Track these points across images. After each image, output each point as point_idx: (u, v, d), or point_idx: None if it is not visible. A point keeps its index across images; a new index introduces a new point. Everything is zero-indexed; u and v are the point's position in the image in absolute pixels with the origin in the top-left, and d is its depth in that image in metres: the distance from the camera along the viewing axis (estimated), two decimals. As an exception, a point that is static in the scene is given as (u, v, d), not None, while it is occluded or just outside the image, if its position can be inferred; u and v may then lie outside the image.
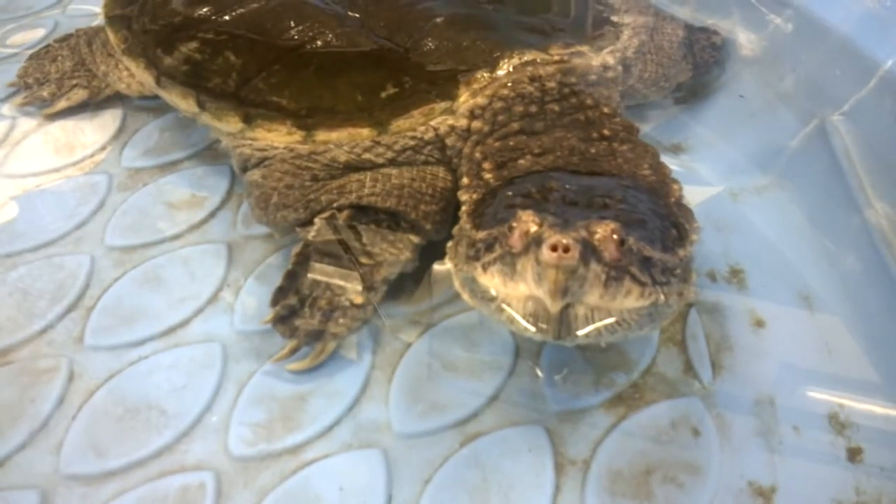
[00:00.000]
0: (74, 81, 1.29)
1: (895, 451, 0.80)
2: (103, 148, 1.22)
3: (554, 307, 0.66)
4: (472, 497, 0.81)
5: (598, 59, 1.02)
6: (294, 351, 0.92)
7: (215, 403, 0.90)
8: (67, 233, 1.09)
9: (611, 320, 0.68)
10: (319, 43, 1.02)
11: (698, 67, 1.21)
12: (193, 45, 1.07)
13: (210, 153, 1.20)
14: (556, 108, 0.95)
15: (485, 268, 0.72)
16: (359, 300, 0.93)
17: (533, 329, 0.69)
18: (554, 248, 0.64)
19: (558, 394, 0.89)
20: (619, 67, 1.05)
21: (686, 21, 1.23)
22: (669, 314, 0.73)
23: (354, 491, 0.82)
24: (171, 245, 1.07)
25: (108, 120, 1.27)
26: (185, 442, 0.86)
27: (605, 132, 0.93)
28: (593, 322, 0.68)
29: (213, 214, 1.11)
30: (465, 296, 0.79)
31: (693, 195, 1.04)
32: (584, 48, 1.02)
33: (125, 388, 0.91)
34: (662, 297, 0.70)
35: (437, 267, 0.99)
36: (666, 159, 0.92)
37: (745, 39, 1.23)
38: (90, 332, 0.97)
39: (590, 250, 0.66)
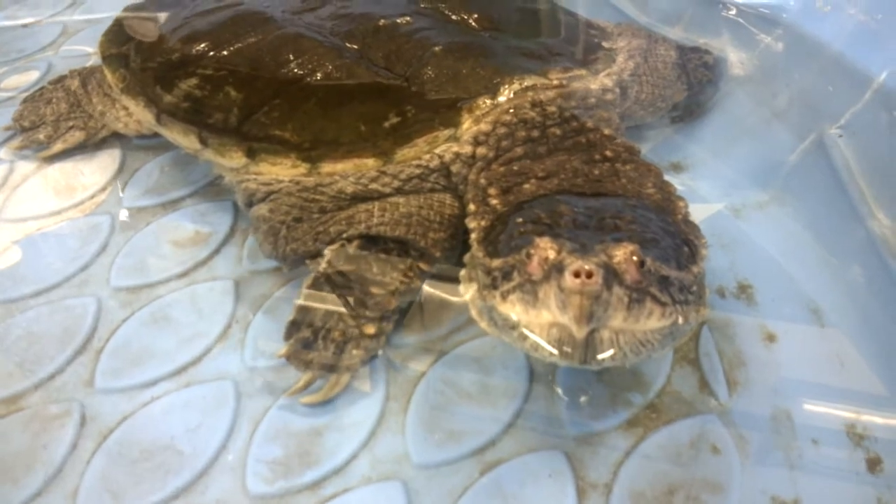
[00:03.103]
0: (71, 123, 1.29)
1: (915, 460, 0.80)
2: (103, 188, 1.22)
3: (580, 333, 0.66)
4: (496, 527, 0.81)
5: (596, 82, 1.04)
6: (308, 384, 0.92)
7: (231, 441, 0.89)
8: (72, 275, 1.08)
9: (634, 342, 0.68)
10: (320, 75, 1.03)
11: (692, 87, 1.23)
12: (193, 81, 1.08)
13: (212, 190, 1.20)
14: (558, 131, 0.96)
15: (504, 296, 0.73)
16: (371, 330, 0.93)
17: (558, 355, 0.68)
18: (577, 275, 0.64)
19: (576, 417, 0.89)
20: (617, 90, 1.07)
21: (677, 42, 1.25)
22: (688, 332, 0.74)
23: (376, 525, 0.82)
24: (178, 283, 1.06)
25: (107, 160, 1.27)
26: (202, 482, 0.85)
27: (608, 153, 0.93)
28: (618, 345, 0.68)
29: (217, 251, 1.11)
30: (483, 324, 0.79)
31: (696, 213, 1.04)
32: (582, 72, 1.03)
33: (139, 430, 0.90)
34: (682, 315, 0.71)
35: (445, 295, 0.99)
36: (666, 178, 0.93)
37: (736, 58, 1.25)
38: (100, 374, 0.96)
39: (611, 274, 0.66)
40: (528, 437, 0.88)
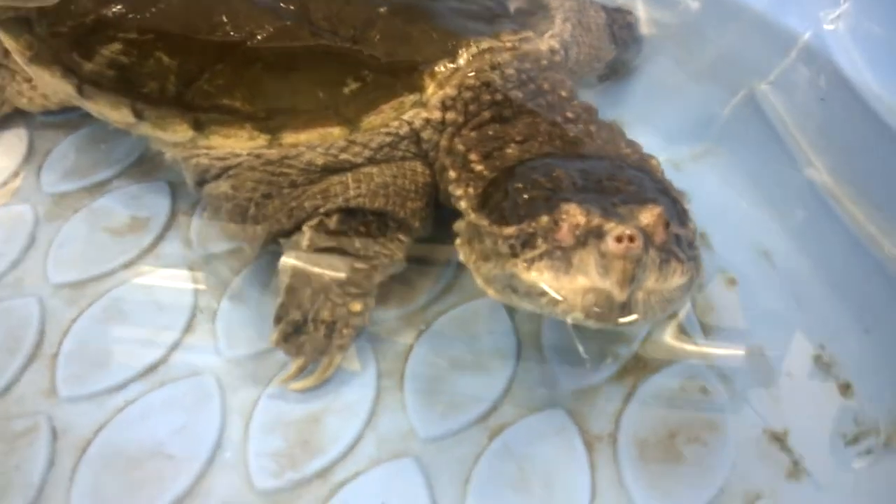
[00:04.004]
0: None
1: (878, 379, 0.89)
2: (16, 174, 1.09)
3: (622, 296, 0.67)
4: (516, 489, 0.81)
5: (544, 43, 1.04)
6: (301, 369, 0.88)
7: (225, 438, 0.84)
8: (1, 274, 0.97)
9: (663, 300, 0.70)
10: (261, 38, 0.95)
11: (618, 46, 1.26)
12: (116, 46, 0.97)
13: (140, 169, 1.10)
14: (520, 94, 0.96)
15: (529, 264, 0.72)
16: (358, 307, 0.90)
17: (594, 318, 0.69)
18: (619, 240, 0.66)
19: (568, 374, 0.91)
20: (562, 51, 1.08)
21: (601, 3, 1.28)
22: (698, 286, 0.77)
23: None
24: (125, 275, 0.98)
25: (13, 141, 1.13)
26: (203, 484, 0.81)
27: (568, 114, 0.94)
28: (649, 304, 0.70)
29: (161, 236, 1.03)
30: (492, 291, 0.79)
31: (638, 169, 1.11)
32: (530, 34, 1.03)
33: (119, 438, 0.83)
34: (696, 270, 0.74)
35: (416, 265, 0.98)
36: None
37: (654, 19, 1.30)
38: (62, 382, 0.87)
39: (646, 237, 0.68)
40: (527, 398, 0.89)
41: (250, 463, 0.82)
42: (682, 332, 0.95)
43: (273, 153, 0.92)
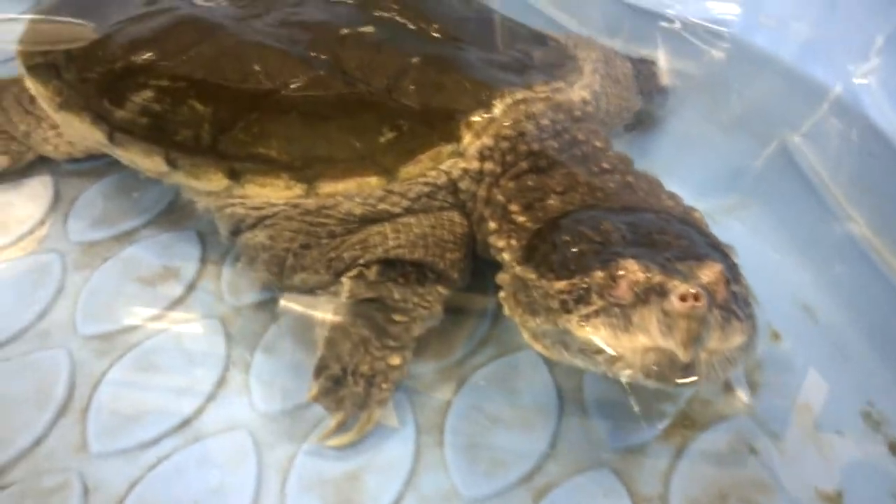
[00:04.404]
0: None
1: (931, 439, 0.88)
2: (42, 222, 1.06)
3: (686, 356, 0.65)
4: (563, 553, 0.79)
5: (575, 94, 1.04)
6: (341, 425, 0.85)
7: (261, 497, 0.81)
8: (29, 325, 0.94)
9: (724, 360, 0.68)
10: (294, 87, 0.95)
11: (643, 97, 1.27)
12: (148, 93, 0.96)
13: (169, 218, 1.08)
14: (555, 144, 0.95)
15: (584, 320, 0.70)
16: (396, 361, 0.88)
17: (654, 379, 0.67)
18: (684, 298, 0.64)
19: (613, 432, 0.88)
20: (593, 102, 1.08)
21: (626, 54, 1.28)
22: (756, 343, 0.76)
23: (439, 567, 0.77)
24: (156, 326, 0.95)
25: (39, 189, 1.11)
26: (242, 547, 0.77)
27: (605, 165, 0.93)
28: (711, 365, 0.67)
29: (192, 286, 1.00)
30: (541, 347, 0.77)
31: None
32: (561, 84, 1.03)
33: (153, 496, 0.80)
34: (753, 329, 0.72)
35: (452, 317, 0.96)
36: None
37: (679, 69, 1.30)
38: (93, 436, 0.84)
39: (708, 294, 0.66)
40: (572, 456, 0.86)
41: (289, 525, 0.79)
42: (730, 388, 0.93)
43: (310, 203, 0.91)
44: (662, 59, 1.31)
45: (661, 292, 0.66)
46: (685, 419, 0.90)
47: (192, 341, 0.94)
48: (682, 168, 1.20)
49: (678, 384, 0.68)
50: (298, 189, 0.91)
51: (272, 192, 0.91)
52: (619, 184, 0.92)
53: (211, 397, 0.89)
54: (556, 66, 1.12)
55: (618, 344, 0.69)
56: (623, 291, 0.68)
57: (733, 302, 0.70)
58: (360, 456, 0.85)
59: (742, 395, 0.92)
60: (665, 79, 1.29)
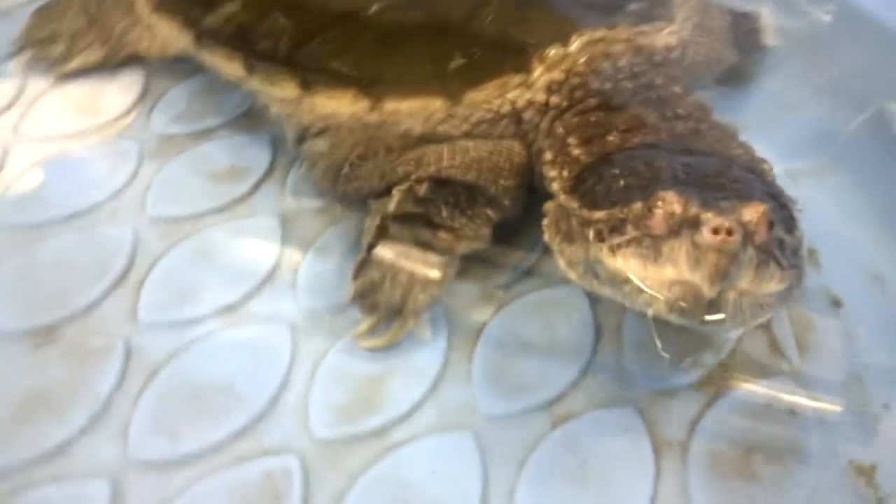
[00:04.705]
0: (89, 40, 1.19)
1: None
2: (128, 112, 1.13)
3: (711, 292, 0.63)
4: (571, 481, 0.78)
5: (660, 39, 1.01)
6: (373, 327, 0.87)
7: (290, 384, 0.84)
8: (102, 202, 1.00)
9: (755, 304, 0.66)
10: (374, 10, 0.97)
11: (740, 52, 1.22)
12: (236, 6, 1.01)
13: (246, 122, 1.12)
14: (629, 85, 0.93)
15: (614, 250, 0.70)
16: (437, 275, 0.89)
17: (678, 313, 0.66)
18: (716, 231, 0.62)
19: (646, 373, 0.87)
20: (679, 49, 1.05)
21: (727, 5, 1.23)
22: (797, 297, 0.73)
23: (447, 475, 0.78)
24: (218, 218, 1.00)
25: (130, 82, 1.18)
26: (263, 424, 0.81)
27: (679, 111, 0.91)
28: (739, 306, 0.65)
29: (257, 187, 1.04)
30: (573, 275, 0.77)
31: (753, 177, 1.05)
32: (648, 28, 1.00)
33: (190, 367, 0.85)
34: (795, 279, 0.70)
35: (501, 244, 0.96)
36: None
37: (782, 27, 1.24)
38: (143, 308, 0.90)
39: (746, 233, 0.64)
40: (598, 391, 0.85)
41: (310, 411, 0.82)
42: (776, 347, 0.89)
43: (373, 118, 0.93)
44: (766, 16, 1.25)
45: (694, 224, 0.64)
46: (725, 370, 0.87)
47: (250, 235, 0.98)
48: (770, 127, 1.15)
49: (703, 321, 0.66)
50: (364, 104, 0.93)
51: (338, 105, 0.94)
52: (688, 129, 0.89)
53: (258, 288, 0.92)
54: (647, 10, 1.09)
55: (645, 275, 0.68)
56: (657, 222, 0.67)
57: (776, 248, 0.68)
58: (390, 360, 0.87)
59: (790, 354, 0.88)
60: (765, 36, 1.23)
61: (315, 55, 0.96)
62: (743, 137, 1.12)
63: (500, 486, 0.78)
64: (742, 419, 0.83)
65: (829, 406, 0.84)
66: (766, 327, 0.91)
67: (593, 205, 0.75)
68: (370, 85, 0.93)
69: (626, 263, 0.69)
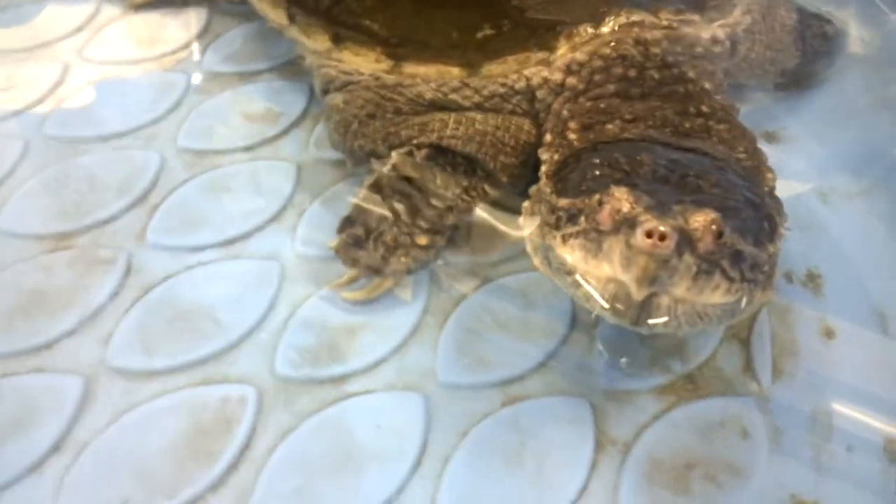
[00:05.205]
0: None
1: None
2: (185, 46, 1.21)
3: (638, 294, 0.63)
4: (507, 459, 0.80)
5: (707, 30, 0.97)
6: (352, 280, 0.91)
7: (267, 320, 0.90)
8: (140, 127, 1.08)
9: (692, 313, 0.66)
10: None
11: (806, 56, 1.15)
12: None
13: (291, 69, 1.17)
14: (657, 75, 0.90)
15: (565, 239, 0.70)
16: (423, 241, 0.91)
17: (610, 311, 0.66)
18: (649, 235, 0.61)
19: (609, 371, 0.87)
20: (728, 43, 1.00)
21: (800, 5, 1.16)
22: (749, 311, 0.71)
23: (390, 431, 0.82)
24: (241, 156, 1.06)
25: (193, 18, 1.25)
26: (232, 353, 0.87)
27: (703, 108, 0.88)
28: (674, 313, 0.65)
29: (286, 131, 1.10)
30: (536, 261, 0.77)
31: (780, 189, 1.00)
32: (695, 17, 0.97)
33: (180, 290, 0.91)
34: (747, 294, 0.68)
35: (501, 223, 0.97)
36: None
37: (857, 35, 1.16)
38: (152, 230, 0.97)
39: (685, 240, 0.62)
40: (557, 379, 0.86)
41: (279, 349, 0.87)
42: (750, 366, 0.87)
43: (390, 79, 0.95)
44: (841, 20, 1.17)
45: (632, 224, 0.64)
46: (689, 382, 0.86)
47: (266, 176, 1.03)
48: (815, 140, 1.10)
49: (634, 323, 0.66)
50: (385, 64, 0.96)
51: (362, 62, 0.97)
52: (697, 126, 0.87)
53: (261, 227, 0.98)
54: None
55: (586, 269, 0.68)
56: (604, 217, 0.66)
57: (728, 258, 0.66)
58: (365, 315, 0.90)
59: (762, 376, 0.86)
60: (836, 41, 1.16)
61: (351, 11, 0.99)
62: (781, 148, 1.09)
63: (437, 451, 0.80)
64: (692, 432, 0.82)
65: (788, 436, 0.81)
66: (745, 343, 0.89)
67: (563, 192, 0.75)
68: (396, 46, 0.95)
69: (572, 254, 0.69)
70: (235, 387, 0.84)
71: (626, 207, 0.65)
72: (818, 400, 0.84)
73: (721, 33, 0.99)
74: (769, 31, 1.10)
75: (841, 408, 0.83)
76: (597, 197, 0.68)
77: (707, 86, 0.92)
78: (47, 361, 0.84)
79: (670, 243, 0.61)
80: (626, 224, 0.64)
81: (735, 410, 0.83)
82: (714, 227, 0.64)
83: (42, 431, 0.79)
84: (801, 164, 1.04)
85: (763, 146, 0.87)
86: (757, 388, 0.85)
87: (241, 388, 0.84)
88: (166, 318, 0.88)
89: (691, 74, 0.92)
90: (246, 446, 0.80)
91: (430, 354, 0.88)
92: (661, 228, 0.61)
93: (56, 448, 0.78)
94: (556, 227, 0.72)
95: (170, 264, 0.94)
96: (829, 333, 0.90)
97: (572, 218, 0.71)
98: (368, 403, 0.84)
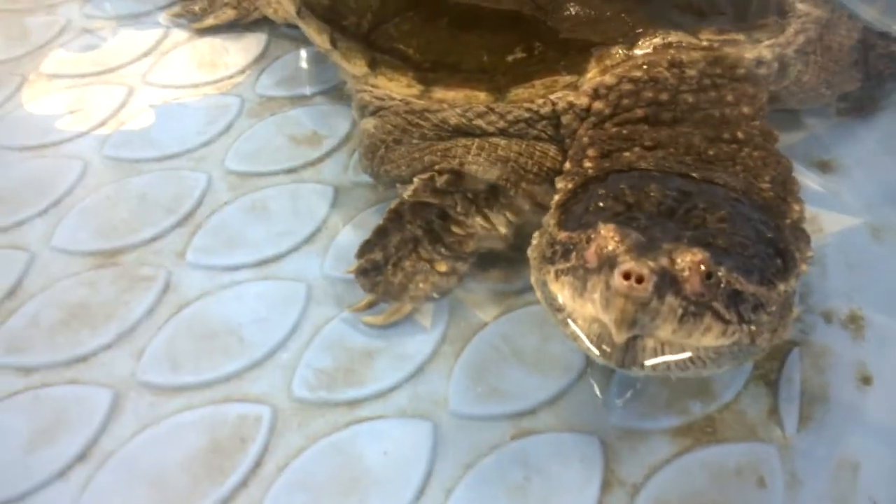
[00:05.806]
0: (225, 0, 1.33)
1: None
2: (242, 71, 1.26)
3: (618, 338, 0.61)
4: (510, 495, 0.79)
5: (752, 51, 0.91)
6: (371, 305, 0.93)
7: (290, 341, 0.93)
8: (192, 149, 1.14)
9: (684, 356, 0.63)
10: None
11: (870, 78, 1.07)
12: None
13: (337, 93, 1.21)
14: (691, 99, 0.86)
15: (557, 275, 0.69)
16: (442, 268, 0.92)
17: (596, 353, 0.64)
18: (626, 276, 0.59)
19: (624, 410, 0.85)
20: (775, 65, 0.94)
21: (867, 22, 1.08)
22: (755, 354, 0.67)
23: (397, 457, 0.83)
24: (284, 178, 1.10)
25: (253, 43, 1.30)
26: (254, 372, 0.90)
27: (739, 134, 0.84)
28: (663, 355, 0.63)
29: (329, 154, 1.13)
30: (538, 294, 0.76)
31: (829, 222, 0.94)
32: (741, 37, 0.91)
33: (212, 309, 0.96)
34: (747, 336, 0.64)
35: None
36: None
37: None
38: (193, 249, 1.02)
39: (668, 282, 0.60)
40: (570, 415, 0.85)
41: (298, 370, 0.90)
42: (775, 412, 0.82)
43: (419, 104, 0.95)
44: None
45: (612, 265, 0.62)
46: (708, 424, 0.83)
47: (304, 199, 1.07)
48: (875, 169, 1.03)
49: (621, 365, 0.64)
50: (416, 89, 0.96)
51: (395, 87, 0.98)
52: (722, 154, 0.82)
53: (294, 249, 1.01)
54: (752, 16, 0.99)
55: (573, 307, 0.67)
56: (590, 255, 0.65)
57: (720, 299, 0.63)
58: (384, 340, 0.92)
59: (787, 423, 0.81)
60: (904, 63, 1.07)
61: (388, 35, 0.99)
62: (834, 178, 1.02)
63: (440, 481, 0.81)
64: (706, 477, 0.79)
65: (807, 487, 0.77)
66: (773, 386, 0.85)
67: (564, 224, 0.74)
68: (428, 70, 0.96)
69: (562, 291, 0.68)
70: (253, 406, 0.87)
71: (610, 245, 0.63)
72: (846, 450, 0.79)
73: (768, 54, 0.93)
74: (826, 51, 1.03)
75: (870, 460, 0.78)
76: (588, 232, 0.67)
77: (746, 110, 0.86)
78: (83, 374, 0.90)
79: (647, 286, 0.59)
80: (608, 263, 0.62)
81: (754, 457, 0.80)
82: (702, 266, 0.61)
83: (71, 440, 0.84)
84: (853, 196, 0.98)
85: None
86: (780, 435, 0.81)
87: (258, 407, 0.87)
88: (196, 335, 0.93)
89: (730, 98, 0.87)
90: (257, 464, 0.83)
91: (443, 382, 0.89)
92: (638, 270, 0.59)
93: (82, 457, 0.83)
94: (552, 261, 0.71)
95: (205, 283, 0.98)
96: (865, 380, 0.84)
97: (566, 253, 0.69)
98: (379, 429, 0.85)
